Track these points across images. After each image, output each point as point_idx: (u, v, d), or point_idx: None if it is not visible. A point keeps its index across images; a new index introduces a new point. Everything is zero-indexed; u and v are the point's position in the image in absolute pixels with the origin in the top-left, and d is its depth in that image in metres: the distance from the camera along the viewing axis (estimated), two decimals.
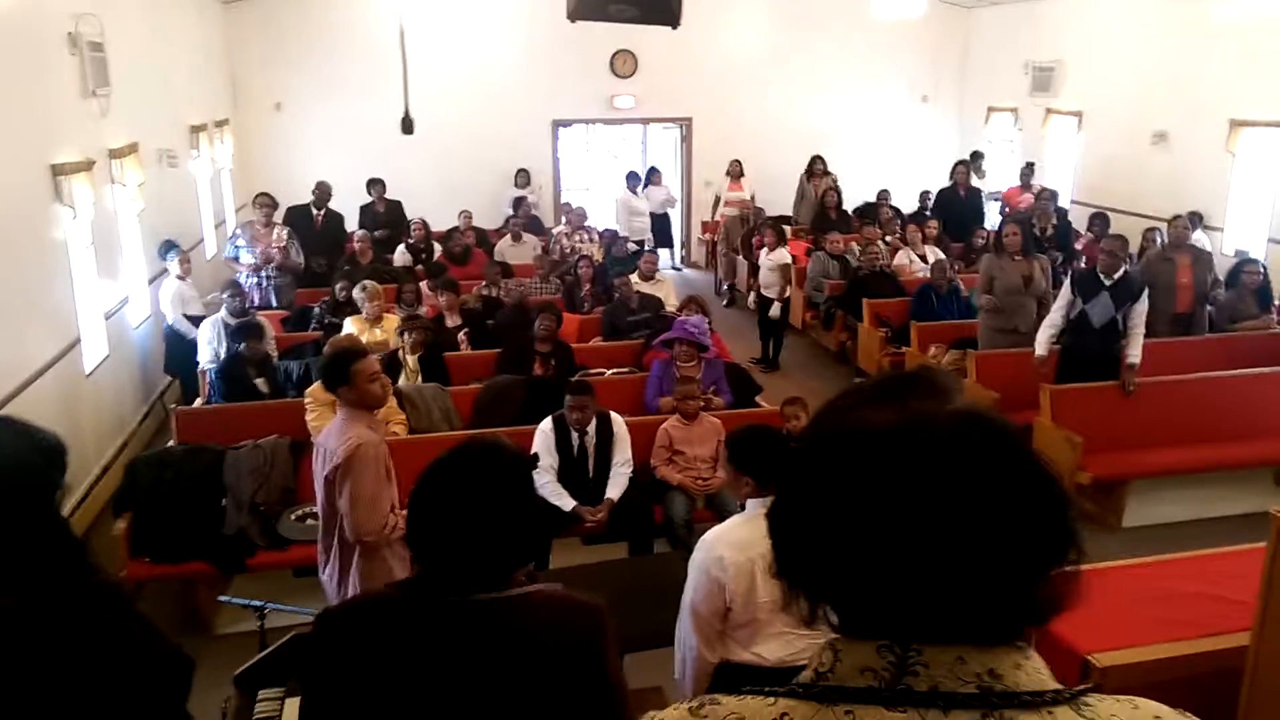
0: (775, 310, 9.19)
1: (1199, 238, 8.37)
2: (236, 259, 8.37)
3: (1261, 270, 7.78)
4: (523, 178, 12.61)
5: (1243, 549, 3.81)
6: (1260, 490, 6.24)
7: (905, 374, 0.95)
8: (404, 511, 3.55)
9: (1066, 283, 6.42)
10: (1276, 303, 7.91)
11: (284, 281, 8.57)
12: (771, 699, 0.91)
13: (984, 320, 7.26)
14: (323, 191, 9.85)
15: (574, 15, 9.74)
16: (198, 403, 6.61)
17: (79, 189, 6.05)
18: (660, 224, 12.88)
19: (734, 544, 2.89)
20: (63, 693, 1.53)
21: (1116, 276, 6.14)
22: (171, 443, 5.71)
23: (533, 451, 5.07)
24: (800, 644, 2.94)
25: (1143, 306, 6.15)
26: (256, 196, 8.71)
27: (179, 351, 7.56)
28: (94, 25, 6.52)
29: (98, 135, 6.72)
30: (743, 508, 3.11)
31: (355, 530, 3.49)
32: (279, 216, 8.96)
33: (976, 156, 12.26)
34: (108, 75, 6.77)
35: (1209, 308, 7.75)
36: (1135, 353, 6.13)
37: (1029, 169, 11.57)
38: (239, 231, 8.57)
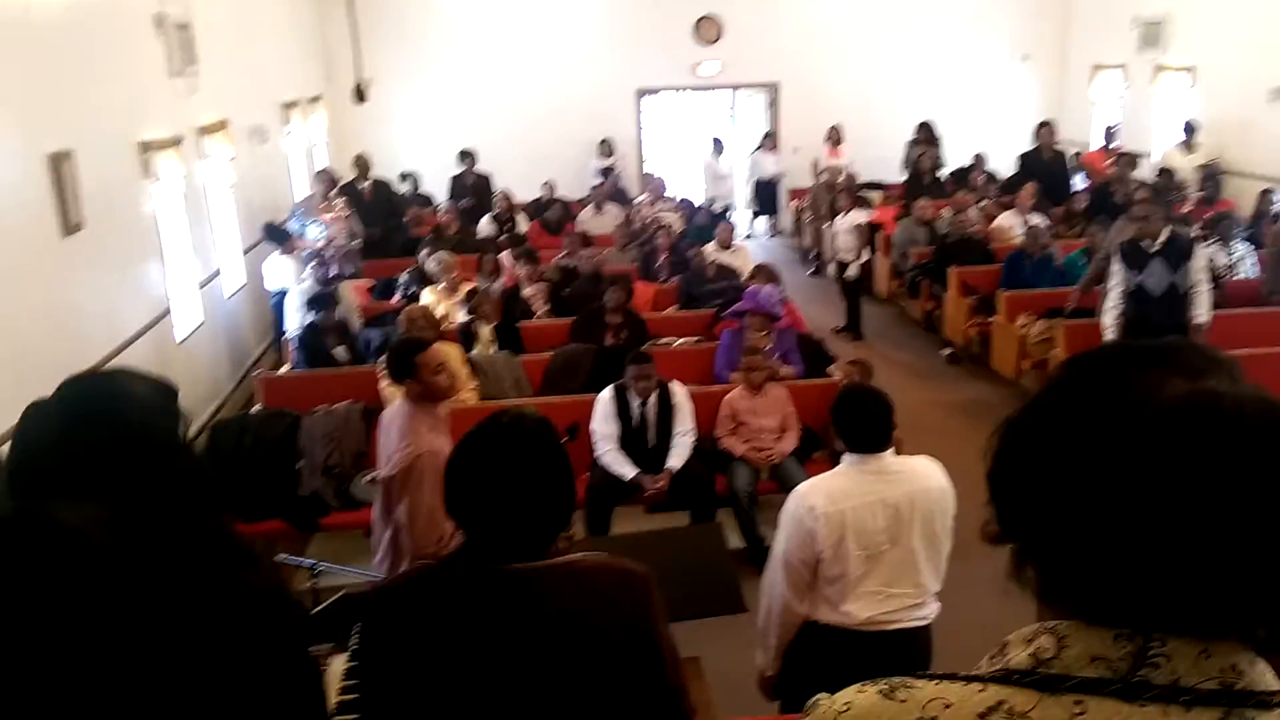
0: (853, 271, 9.01)
1: None
2: (303, 236, 8.54)
3: None
4: (605, 148, 12.61)
5: None
6: None
7: (1180, 341, 0.88)
8: None
9: (1116, 257, 6.08)
10: None
11: (355, 251, 8.78)
12: (980, 685, 0.84)
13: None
14: (364, 163, 9.98)
15: None
16: (283, 369, 6.85)
17: (167, 164, 6.30)
18: (766, 191, 12.74)
19: (827, 494, 2.89)
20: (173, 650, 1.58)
21: (1163, 240, 5.81)
22: (257, 407, 5.93)
23: (593, 422, 5.10)
24: (891, 604, 2.93)
25: (1198, 263, 5.81)
26: (318, 172, 8.93)
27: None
28: (180, 6, 6.75)
29: (186, 113, 6.98)
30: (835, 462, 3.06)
31: (414, 544, 3.38)
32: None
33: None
34: (195, 54, 7.01)
35: None
36: (1201, 312, 5.81)
37: (1111, 132, 10.97)
38: (300, 210, 8.74)
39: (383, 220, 9.71)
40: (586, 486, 5.08)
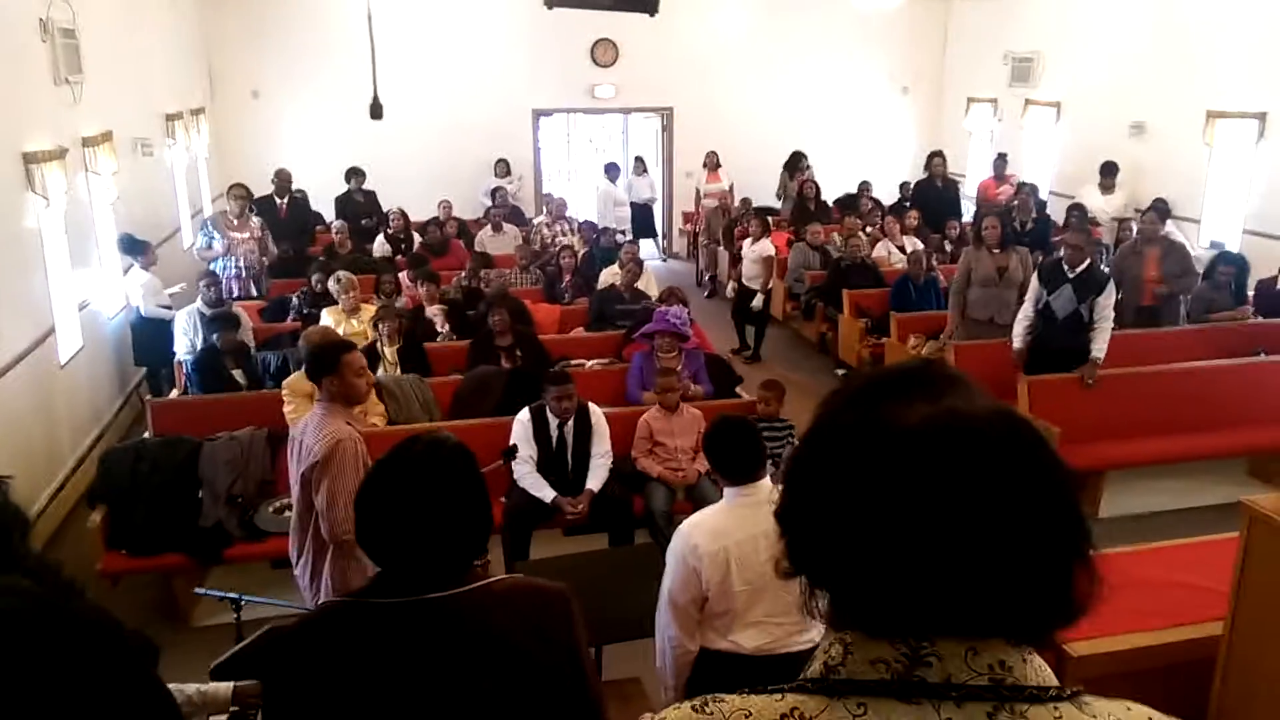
0: (758, 302, 9.21)
1: (1171, 229, 8.41)
2: (209, 248, 8.26)
3: (1233, 269, 7.83)
4: (502, 167, 12.55)
5: (1216, 539, 3.85)
6: (1234, 480, 6.31)
7: (920, 364, 0.93)
8: None
9: (1035, 275, 6.45)
10: (1251, 294, 7.98)
11: (263, 272, 8.51)
12: (779, 695, 0.90)
13: (958, 313, 7.25)
14: (283, 179, 9.75)
15: (552, 2, 9.72)
16: (174, 394, 6.55)
17: (52, 177, 5.97)
18: (642, 214, 12.88)
19: (709, 532, 2.93)
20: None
21: (1081, 269, 6.16)
22: (147, 434, 5.66)
23: (511, 443, 5.06)
24: (778, 632, 2.98)
25: (1107, 299, 6.14)
26: (231, 187, 8.62)
27: (147, 341, 7.46)
28: (65, 12, 6.42)
29: (71, 123, 6.63)
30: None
31: (332, 529, 3.39)
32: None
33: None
34: (80, 63, 6.68)
35: (1184, 299, 7.82)
36: (1099, 347, 6.14)
37: (1002, 160, 11.63)
38: (209, 223, 8.45)
39: (295, 238, 9.44)
40: (504, 510, 5.03)
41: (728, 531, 2.91)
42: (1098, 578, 0.87)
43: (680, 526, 3.02)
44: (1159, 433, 6.19)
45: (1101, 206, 9.96)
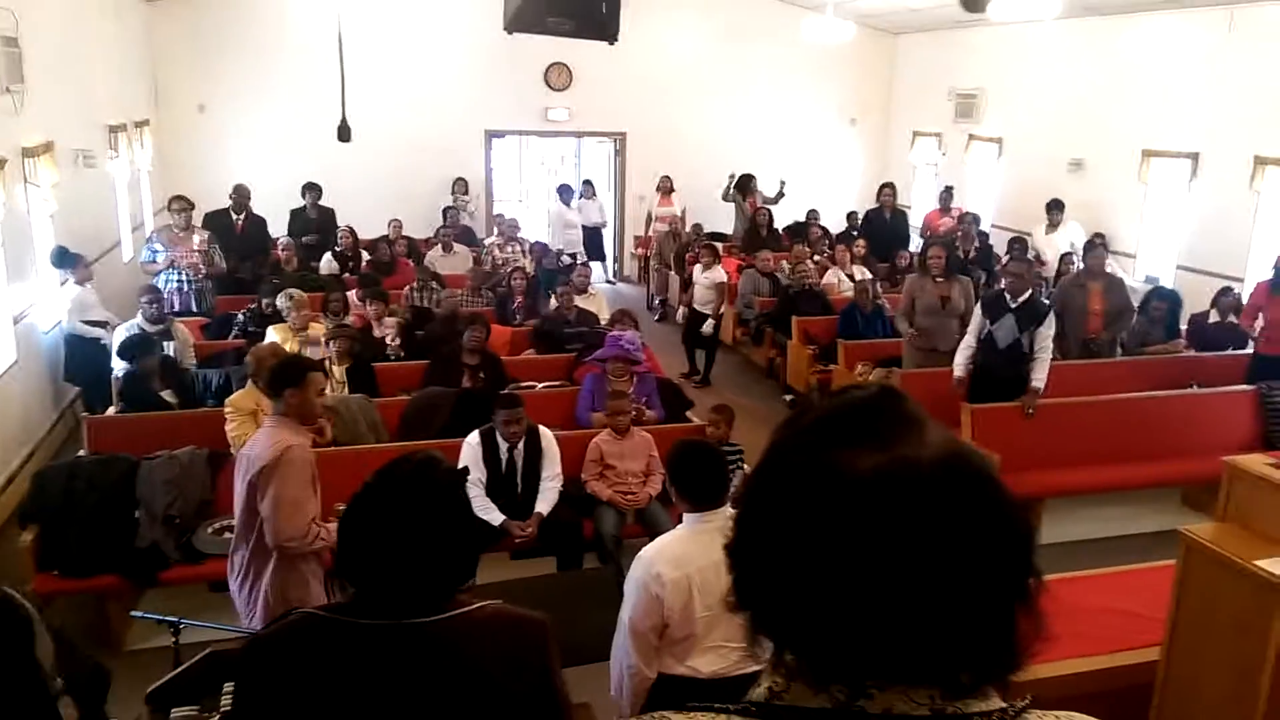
0: (708, 327, 9.26)
1: (1110, 264, 8.64)
2: (153, 262, 8.10)
3: (1166, 304, 8.07)
4: (460, 186, 12.50)
5: (1152, 566, 3.95)
6: (1169, 509, 6.48)
7: (873, 399, 0.92)
8: (328, 524, 3.49)
9: (978, 305, 6.59)
10: (1183, 328, 8.23)
11: (206, 287, 8.34)
12: (726, 715, 0.90)
13: (907, 340, 7.41)
14: (241, 195, 9.58)
15: (511, 27, 9.73)
16: (111, 411, 6.38)
17: None
18: (592, 237, 12.90)
19: (671, 560, 2.91)
20: None
21: (1022, 299, 6.30)
22: (82, 452, 5.50)
23: (460, 465, 5.01)
24: (734, 656, 2.97)
25: (1048, 330, 6.28)
26: (171, 200, 8.44)
27: (79, 358, 7.27)
28: (8, 19, 6.28)
29: (11, 133, 6.47)
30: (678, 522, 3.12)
31: (276, 534, 3.36)
32: (198, 221, 8.72)
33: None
34: (22, 71, 6.52)
35: (1122, 333, 8.04)
36: (1039, 376, 6.27)
37: (948, 193, 11.88)
38: (155, 236, 8.27)
39: (252, 256, 9.26)
40: None
41: (690, 558, 2.90)
42: (1041, 622, 0.87)
43: (642, 553, 3.00)
44: (1096, 461, 6.33)
45: (1050, 243, 10.07)
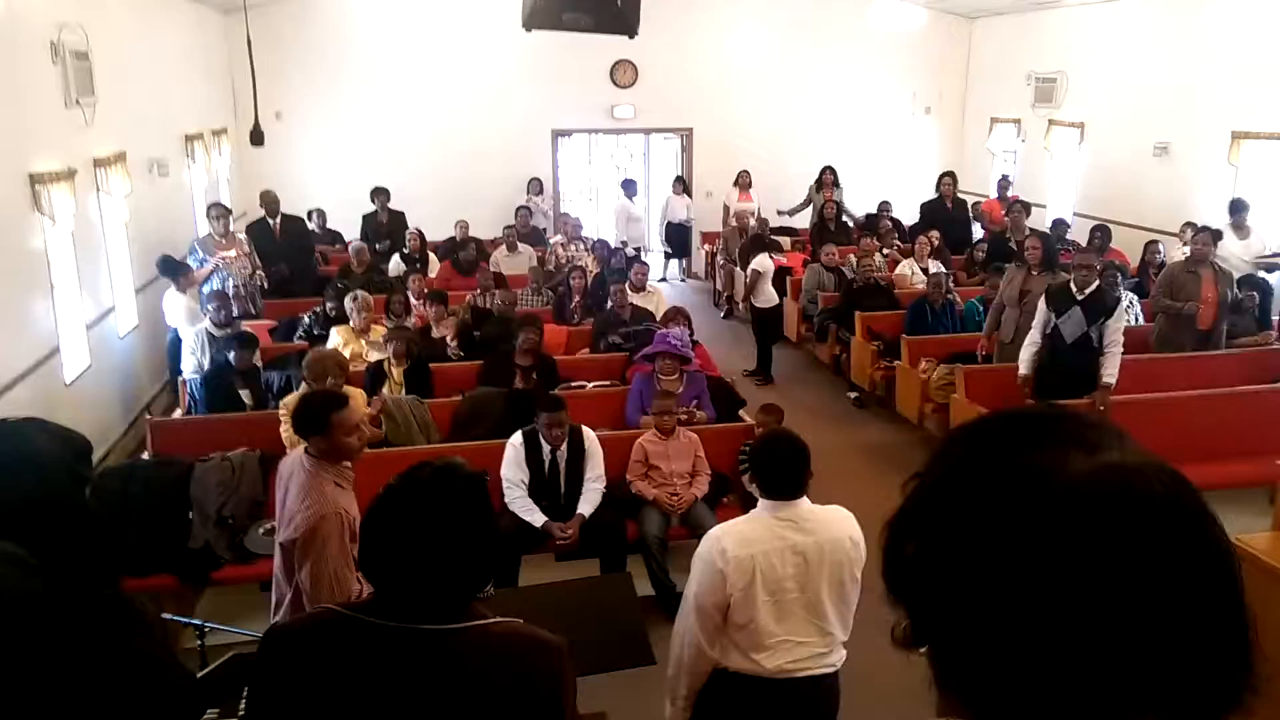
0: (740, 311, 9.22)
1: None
2: (200, 268, 8.26)
3: (1257, 293, 7.61)
4: (535, 186, 12.58)
5: None
6: (1256, 510, 6.10)
7: (1055, 410, 0.83)
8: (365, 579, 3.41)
9: (1042, 298, 6.31)
10: (1276, 318, 7.76)
11: (255, 290, 8.53)
12: None
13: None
14: (269, 200, 9.66)
15: (529, 24, 9.72)
16: (177, 413, 6.57)
17: (59, 198, 6.03)
18: (679, 234, 12.89)
19: (738, 538, 2.90)
20: (67, 694, 1.49)
21: (1089, 291, 6.03)
22: (146, 454, 5.67)
23: (504, 466, 5.01)
24: (799, 652, 2.94)
25: (1118, 323, 6.01)
26: (210, 208, 8.66)
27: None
28: (78, 34, 6.51)
29: (82, 144, 6.71)
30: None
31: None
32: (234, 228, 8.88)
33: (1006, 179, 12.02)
34: (93, 84, 6.77)
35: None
36: (1110, 372, 5.99)
37: (1006, 181, 11.44)
38: (197, 245, 8.43)
39: (293, 258, 9.46)
40: None
41: (757, 540, 2.89)
42: (1261, 656, 0.76)
43: (710, 531, 3.00)
44: (1177, 460, 5.88)
45: (1238, 253, 8.41)
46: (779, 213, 11.83)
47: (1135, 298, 8.28)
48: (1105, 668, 0.73)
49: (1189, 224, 8.92)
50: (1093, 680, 0.73)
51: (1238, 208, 8.53)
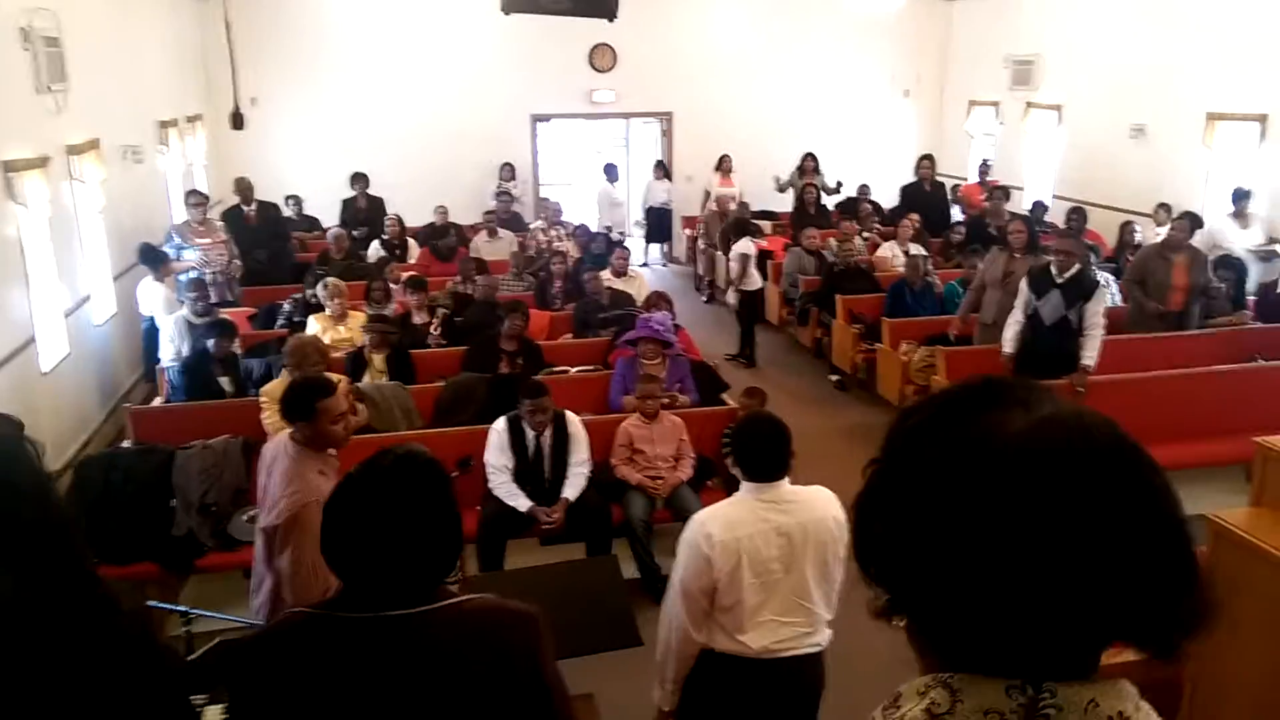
0: (730, 297, 9.24)
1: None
2: (178, 258, 8.19)
3: (1232, 274, 7.68)
4: (506, 171, 12.53)
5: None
6: (1232, 488, 6.18)
7: (995, 377, 0.89)
8: None
9: (1024, 280, 6.36)
10: (1251, 299, 7.85)
11: (233, 277, 8.47)
12: None
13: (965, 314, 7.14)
14: (243, 187, 9.56)
15: (507, 8, 9.69)
16: (156, 401, 6.53)
17: (33, 186, 5.96)
18: (659, 219, 12.87)
19: (723, 522, 2.91)
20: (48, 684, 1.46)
21: (1069, 274, 6.07)
22: (127, 443, 5.63)
23: (487, 451, 5.01)
24: (785, 632, 2.96)
25: (1097, 305, 6.06)
26: (188, 195, 8.59)
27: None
28: (49, 20, 6.42)
29: (54, 131, 6.62)
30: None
31: (295, 597, 3.17)
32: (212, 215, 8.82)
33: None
34: (65, 71, 6.67)
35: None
36: (1090, 354, 6.04)
37: (986, 166, 11.50)
38: (174, 232, 8.36)
39: (268, 245, 9.38)
40: (479, 520, 4.98)
41: (742, 523, 2.90)
42: (1210, 581, 0.82)
43: (695, 515, 3.01)
44: (1152, 439, 5.96)
45: (1239, 242, 8.43)
46: (777, 189, 11.74)
47: (1112, 279, 8.34)
48: (1065, 606, 0.77)
49: (1162, 205, 9.03)
50: (1056, 619, 0.78)
51: (1240, 196, 8.54)
